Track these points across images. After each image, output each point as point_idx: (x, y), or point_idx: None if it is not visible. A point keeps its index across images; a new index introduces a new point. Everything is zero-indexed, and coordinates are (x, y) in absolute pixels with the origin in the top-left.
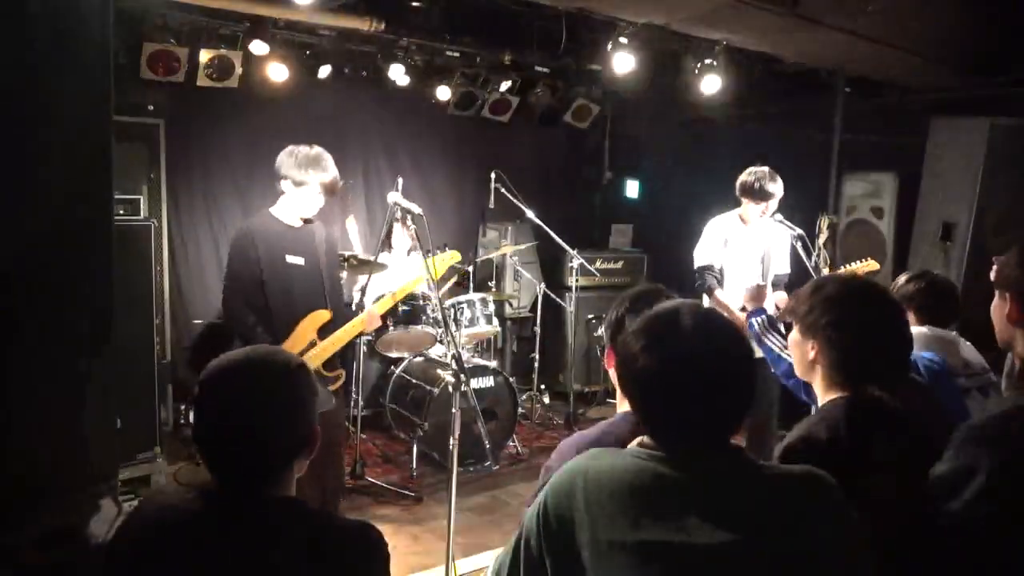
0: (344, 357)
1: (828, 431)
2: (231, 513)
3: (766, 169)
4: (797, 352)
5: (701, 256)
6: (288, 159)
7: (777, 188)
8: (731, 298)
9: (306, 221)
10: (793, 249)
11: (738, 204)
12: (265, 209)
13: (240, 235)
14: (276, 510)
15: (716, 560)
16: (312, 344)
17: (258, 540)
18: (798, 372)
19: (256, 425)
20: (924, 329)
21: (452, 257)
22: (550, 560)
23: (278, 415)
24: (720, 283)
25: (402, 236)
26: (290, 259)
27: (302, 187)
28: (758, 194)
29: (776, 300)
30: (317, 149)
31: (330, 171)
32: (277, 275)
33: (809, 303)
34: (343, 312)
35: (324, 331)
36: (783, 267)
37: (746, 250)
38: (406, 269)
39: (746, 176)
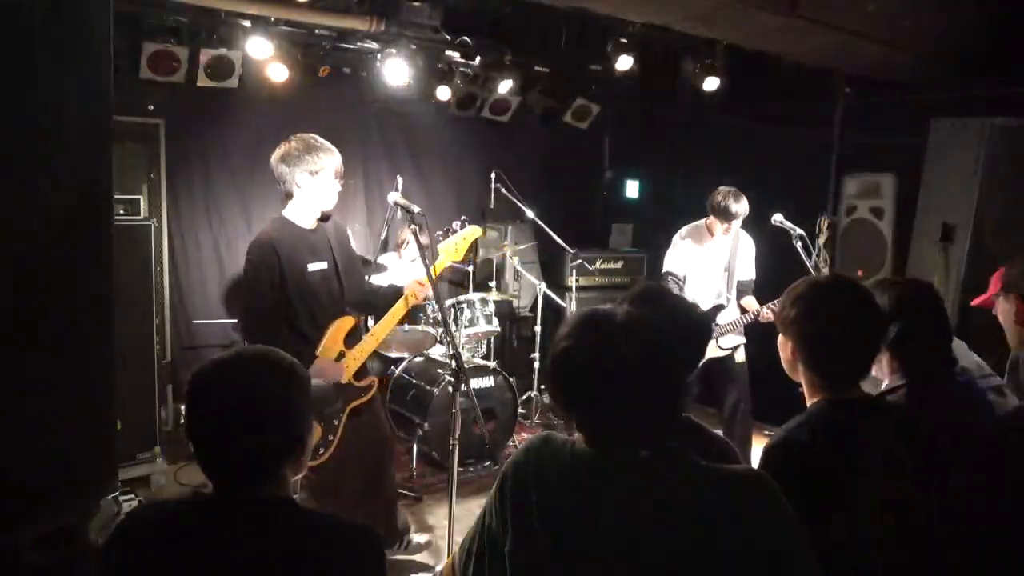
0: None
1: (809, 434)
2: (224, 513)
3: (732, 189)
4: (782, 354)
5: (667, 262)
6: (292, 154)
7: (741, 207)
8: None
9: (320, 220)
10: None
11: None
12: (277, 215)
13: (259, 246)
14: (269, 510)
15: (645, 557)
16: (341, 355)
17: (251, 541)
18: (788, 372)
19: (242, 425)
20: None
21: (473, 232)
22: (510, 536)
23: (265, 415)
24: (681, 290)
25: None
26: (312, 266)
27: (317, 176)
28: (722, 213)
29: (744, 303)
30: (310, 135)
31: (335, 152)
32: (300, 285)
33: (783, 302)
34: (368, 304)
35: (350, 338)
36: (748, 274)
37: (710, 261)
38: (410, 271)
39: (714, 195)
